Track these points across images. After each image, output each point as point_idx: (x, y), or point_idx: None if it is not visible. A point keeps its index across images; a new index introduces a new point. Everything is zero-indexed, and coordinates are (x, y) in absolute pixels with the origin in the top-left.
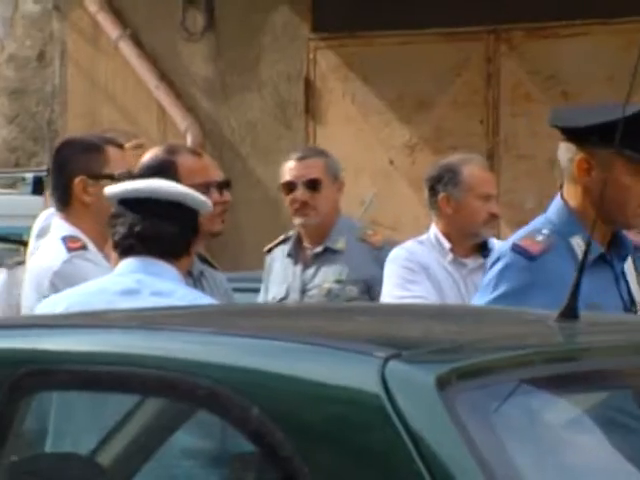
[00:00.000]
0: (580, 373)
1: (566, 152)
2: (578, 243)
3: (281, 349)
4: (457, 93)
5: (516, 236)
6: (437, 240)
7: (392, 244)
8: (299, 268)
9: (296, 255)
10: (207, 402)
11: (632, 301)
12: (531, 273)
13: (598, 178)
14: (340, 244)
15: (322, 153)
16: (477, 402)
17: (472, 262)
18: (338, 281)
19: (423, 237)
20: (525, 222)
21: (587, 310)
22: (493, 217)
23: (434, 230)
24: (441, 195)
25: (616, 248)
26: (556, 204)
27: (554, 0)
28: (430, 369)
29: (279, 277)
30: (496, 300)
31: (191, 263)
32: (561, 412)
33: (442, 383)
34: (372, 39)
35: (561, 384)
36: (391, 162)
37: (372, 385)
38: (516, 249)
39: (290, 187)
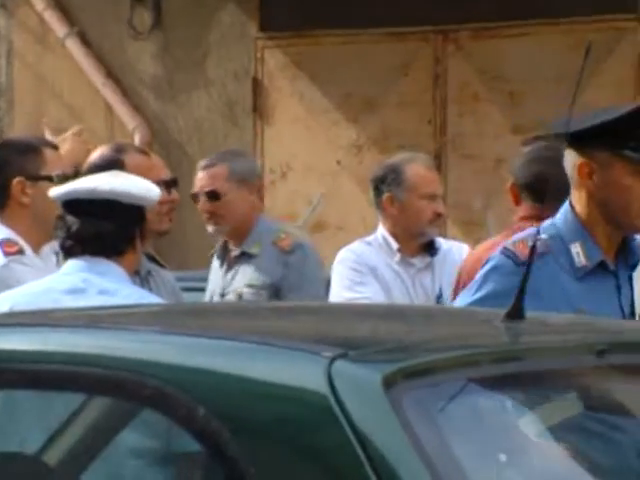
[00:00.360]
0: (526, 373)
1: (569, 158)
2: (577, 250)
3: (228, 348)
4: (405, 93)
5: (514, 238)
6: (384, 240)
7: (304, 248)
8: (223, 271)
9: (222, 258)
10: (153, 401)
11: (632, 313)
12: (519, 278)
13: (599, 181)
14: (255, 248)
15: (228, 158)
16: (423, 401)
17: (420, 261)
18: (250, 285)
19: (371, 237)
20: (472, 222)
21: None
22: (438, 216)
23: (381, 230)
24: (385, 195)
25: (624, 256)
26: (564, 209)
27: (501, 0)
28: (376, 369)
29: (210, 280)
30: (478, 302)
31: (138, 260)
32: (507, 411)
33: (388, 383)
34: (320, 38)
35: (507, 384)
36: (338, 162)
37: (318, 385)
38: (505, 252)
39: (195, 198)
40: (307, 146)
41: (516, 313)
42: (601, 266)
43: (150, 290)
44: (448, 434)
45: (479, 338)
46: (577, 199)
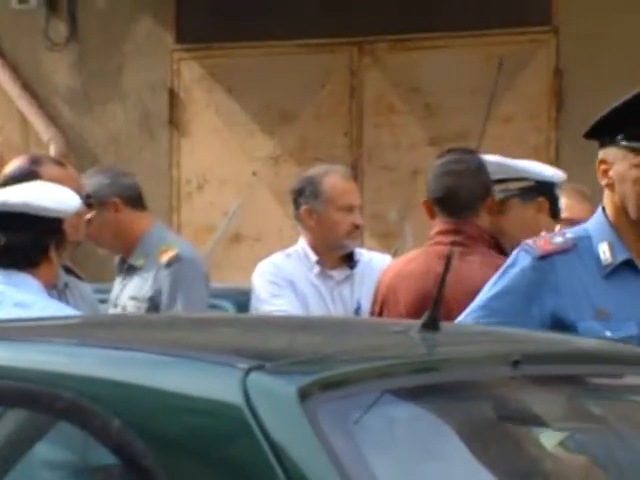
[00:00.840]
0: (441, 384)
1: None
2: (604, 249)
3: (143, 361)
4: (321, 105)
5: (540, 237)
6: (304, 253)
7: (183, 261)
8: (119, 282)
9: (119, 270)
10: (68, 414)
11: None
12: (537, 272)
13: (615, 178)
14: (140, 260)
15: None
16: (339, 413)
17: (339, 274)
18: (132, 298)
19: (291, 249)
20: (389, 233)
21: (594, 316)
22: (356, 228)
23: (302, 242)
24: (303, 208)
25: None
26: (597, 210)
27: (417, 13)
28: (292, 380)
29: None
30: (496, 296)
31: (55, 272)
32: (423, 422)
33: (304, 394)
34: (236, 50)
35: (422, 395)
36: (255, 173)
37: (234, 396)
38: (525, 247)
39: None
40: (223, 158)
41: (431, 324)
42: (630, 267)
43: (67, 303)
44: (363, 445)
45: (394, 349)
46: (605, 199)
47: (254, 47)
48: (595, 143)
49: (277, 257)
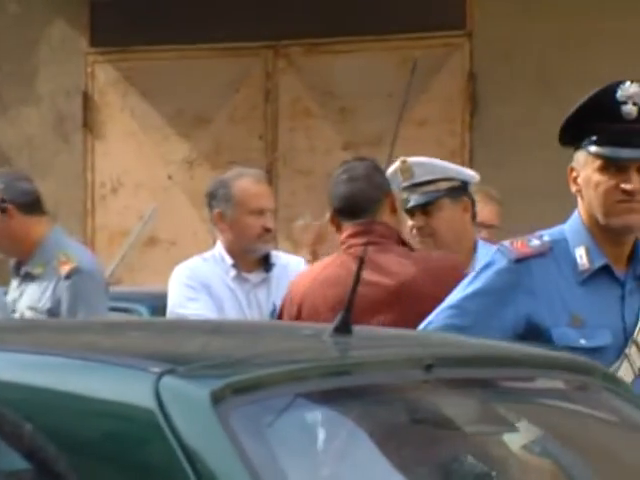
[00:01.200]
0: (353, 387)
1: None
2: (580, 253)
3: (55, 365)
4: (236, 108)
5: (517, 239)
6: (221, 256)
7: (82, 273)
8: (14, 287)
9: (15, 274)
10: None
11: (637, 324)
12: (513, 275)
13: (581, 183)
14: (38, 269)
15: None
16: (252, 416)
17: (255, 277)
18: (31, 308)
19: (209, 253)
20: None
21: (569, 322)
22: (267, 232)
23: (219, 246)
24: (215, 211)
25: (635, 265)
26: (573, 214)
27: (332, 17)
28: (204, 384)
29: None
30: (470, 297)
31: None
32: (335, 425)
33: (216, 398)
34: (152, 54)
35: (335, 398)
36: (170, 177)
37: (146, 400)
38: (501, 249)
39: None
40: (138, 161)
41: (344, 328)
42: (607, 273)
43: None
44: (276, 449)
45: (307, 353)
46: (578, 205)
47: (169, 50)
48: (507, 146)
49: (194, 261)
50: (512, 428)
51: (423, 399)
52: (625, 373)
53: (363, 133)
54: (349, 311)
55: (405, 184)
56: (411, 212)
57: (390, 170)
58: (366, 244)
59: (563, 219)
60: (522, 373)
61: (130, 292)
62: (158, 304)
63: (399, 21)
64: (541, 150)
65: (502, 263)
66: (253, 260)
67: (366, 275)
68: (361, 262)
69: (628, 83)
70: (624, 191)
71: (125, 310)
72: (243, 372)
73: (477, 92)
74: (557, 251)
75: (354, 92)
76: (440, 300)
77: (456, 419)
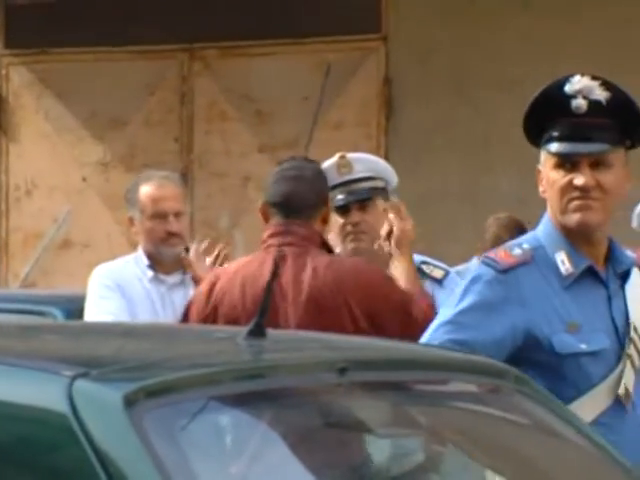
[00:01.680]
0: (267, 390)
1: None
2: (561, 258)
3: None
4: (151, 111)
5: (497, 248)
6: (140, 258)
7: None
8: None
9: None
10: None
11: (627, 323)
12: (502, 286)
13: (544, 183)
14: None
15: None
16: (165, 420)
17: (172, 278)
18: None
19: (132, 255)
20: (219, 239)
21: (566, 329)
22: (171, 235)
23: (140, 247)
24: (128, 215)
25: (612, 265)
26: (543, 219)
27: (248, 20)
28: (118, 387)
29: None
30: (461, 313)
31: None
32: (249, 429)
33: (130, 401)
34: (66, 56)
35: (249, 401)
36: (84, 179)
37: (59, 404)
38: (486, 261)
39: None
40: (53, 163)
41: (258, 331)
42: (590, 275)
43: None
44: (189, 451)
45: (221, 356)
46: (548, 207)
47: (84, 53)
48: (422, 149)
49: (115, 262)
50: (425, 431)
51: (336, 402)
52: (628, 373)
53: (279, 136)
54: (263, 314)
55: (340, 180)
56: (345, 209)
57: (326, 165)
58: (283, 245)
59: (476, 222)
60: (435, 376)
61: (44, 295)
62: (72, 307)
63: (315, 25)
64: (456, 153)
65: (490, 275)
66: (170, 262)
67: (280, 278)
68: (275, 268)
69: (577, 77)
70: (576, 187)
71: (39, 313)
72: (156, 375)
73: (392, 95)
74: (538, 258)
75: (270, 95)
76: (348, 308)
77: (369, 422)
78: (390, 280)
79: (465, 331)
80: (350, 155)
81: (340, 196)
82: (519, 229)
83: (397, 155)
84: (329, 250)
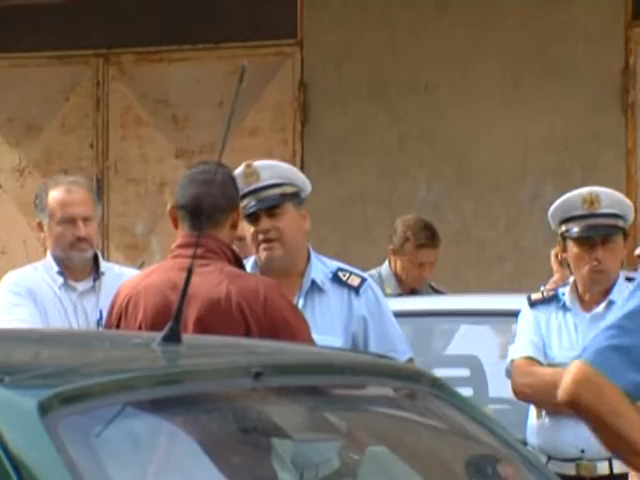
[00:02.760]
0: (182, 396)
1: None
2: None
3: None
4: (66, 117)
5: None
6: (50, 264)
7: None
8: None
9: None
10: None
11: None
12: None
13: None
14: None
15: None
16: (80, 426)
17: (82, 285)
18: None
19: (41, 261)
20: (135, 246)
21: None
22: (81, 240)
23: (49, 254)
24: (36, 221)
25: None
26: None
27: (164, 25)
28: (32, 394)
29: None
30: (625, 317)
31: None
32: (164, 435)
33: (44, 408)
34: None
35: (164, 407)
36: (0, 186)
37: None
38: None
39: None
40: None
41: (173, 336)
42: None
43: None
44: (105, 458)
45: (136, 362)
46: None
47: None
48: (338, 154)
49: (25, 268)
50: (342, 436)
51: (252, 407)
52: None
53: (195, 141)
54: (178, 320)
55: (248, 189)
56: (255, 216)
57: (234, 174)
58: (192, 257)
59: (392, 225)
60: (352, 380)
61: None
62: None
63: (231, 30)
64: (372, 157)
65: None
66: (80, 268)
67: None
68: (189, 275)
69: None
70: None
71: None
72: (71, 382)
73: (308, 101)
74: None
75: (186, 100)
76: (246, 325)
77: (285, 427)
78: (293, 306)
79: (629, 335)
80: (257, 163)
81: (250, 204)
82: (427, 230)
83: (313, 160)
84: (239, 263)
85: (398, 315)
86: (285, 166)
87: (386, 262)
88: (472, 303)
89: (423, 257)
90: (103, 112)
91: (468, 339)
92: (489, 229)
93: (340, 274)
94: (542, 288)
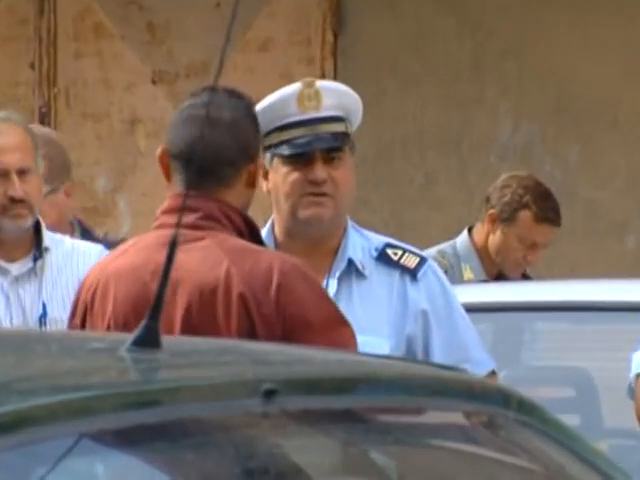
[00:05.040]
0: (163, 423)
1: None
2: None
3: None
4: None
5: None
6: None
7: None
8: None
9: None
10: None
11: None
12: None
13: None
14: None
15: None
16: (17, 466)
17: (18, 267)
18: None
19: None
20: (94, 209)
21: None
22: (15, 202)
23: None
24: None
25: None
26: None
27: None
28: None
29: None
30: None
31: None
32: (136, 477)
33: None
34: None
35: (137, 439)
36: None
37: None
38: None
39: None
40: None
41: (149, 339)
42: None
43: None
44: None
45: (95, 375)
46: None
47: None
48: (386, 81)
49: None
50: None
51: (262, 439)
52: None
53: (180, 60)
54: (157, 316)
55: (301, 117)
56: (306, 158)
57: (280, 94)
58: (178, 226)
59: (464, 181)
60: (405, 402)
61: None
62: None
63: None
64: (435, 82)
65: None
66: (14, 242)
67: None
68: (171, 253)
69: None
70: None
71: None
72: (4, 403)
73: (342, 1)
74: None
75: (167, 2)
76: (250, 325)
77: (307, 468)
78: (324, 300)
79: None
80: (320, 83)
81: (300, 139)
82: (551, 199)
83: (351, 87)
84: (255, 234)
85: (477, 309)
86: (353, 94)
87: (464, 233)
88: (579, 293)
89: (540, 235)
90: (49, 17)
91: (573, 344)
92: (602, 185)
93: (389, 251)
94: None
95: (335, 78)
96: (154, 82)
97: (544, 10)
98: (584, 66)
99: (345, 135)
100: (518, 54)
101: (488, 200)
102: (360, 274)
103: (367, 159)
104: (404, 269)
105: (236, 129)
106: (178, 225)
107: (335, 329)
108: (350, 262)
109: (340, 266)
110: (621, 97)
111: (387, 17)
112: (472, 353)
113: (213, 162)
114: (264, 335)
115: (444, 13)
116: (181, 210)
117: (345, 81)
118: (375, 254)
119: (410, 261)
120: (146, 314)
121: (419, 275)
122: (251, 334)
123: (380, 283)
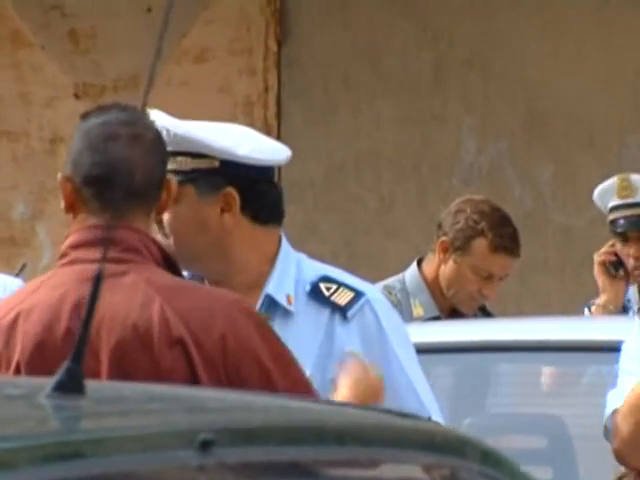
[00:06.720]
0: (88, 477)
1: None
2: None
3: None
4: None
5: None
6: None
7: None
8: None
9: None
10: None
11: None
12: None
13: None
14: None
15: None
16: None
17: None
18: None
19: None
20: (11, 238)
21: None
22: None
23: None
24: None
25: None
26: None
27: None
28: None
29: None
30: None
31: None
32: None
33: None
34: None
35: None
36: None
37: None
38: None
39: None
40: None
41: (72, 383)
42: None
43: None
44: None
45: (10, 426)
46: None
47: None
48: (336, 95)
49: None
50: None
51: None
52: None
53: (108, 72)
54: (79, 358)
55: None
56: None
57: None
58: (101, 261)
59: (424, 205)
60: (357, 454)
61: None
62: None
63: None
64: (391, 96)
65: None
66: None
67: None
68: (96, 289)
69: None
70: None
71: None
72: None
73: (289, 5)
74: None
75: (93, 6)
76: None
77: None
78: (271, 339)
79: None
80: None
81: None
82: (509, 226)
83: (296, 101)
84: (171, 265)
85: (435, 350)
86: (188, 126)
87: (412, 266)
88: (549, 332)
89: (496, 266)
90: None
91: (543, 389)
92: (578, 211)
93: (322, 286)
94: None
95: (279, 91)
96: (77, 96)
97: (512, 16)
98: (556, 78)
99: (175, 172)
100: (483, 65)
101: (440, 227)
102: (286, 311)
103: (315, 182)
104: (335, 307)
105: (160, 147)
106: (104, 259)
107: (289, 368)
108: (269, 298)
109: (258, 302)
110: (597, 112)
111: (337, 24)
112: (405, 401)
113: (143, 185)
114: (207, 380)
115: (401, 19)
116: (105, 242)
117: (290, 95)
118: (308, 288)
119: (342, 298)
120: (64, 357)
121: (349, 314)
122: (192, 379)
123: (307, 322)
